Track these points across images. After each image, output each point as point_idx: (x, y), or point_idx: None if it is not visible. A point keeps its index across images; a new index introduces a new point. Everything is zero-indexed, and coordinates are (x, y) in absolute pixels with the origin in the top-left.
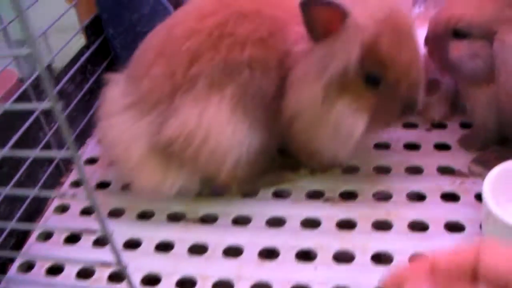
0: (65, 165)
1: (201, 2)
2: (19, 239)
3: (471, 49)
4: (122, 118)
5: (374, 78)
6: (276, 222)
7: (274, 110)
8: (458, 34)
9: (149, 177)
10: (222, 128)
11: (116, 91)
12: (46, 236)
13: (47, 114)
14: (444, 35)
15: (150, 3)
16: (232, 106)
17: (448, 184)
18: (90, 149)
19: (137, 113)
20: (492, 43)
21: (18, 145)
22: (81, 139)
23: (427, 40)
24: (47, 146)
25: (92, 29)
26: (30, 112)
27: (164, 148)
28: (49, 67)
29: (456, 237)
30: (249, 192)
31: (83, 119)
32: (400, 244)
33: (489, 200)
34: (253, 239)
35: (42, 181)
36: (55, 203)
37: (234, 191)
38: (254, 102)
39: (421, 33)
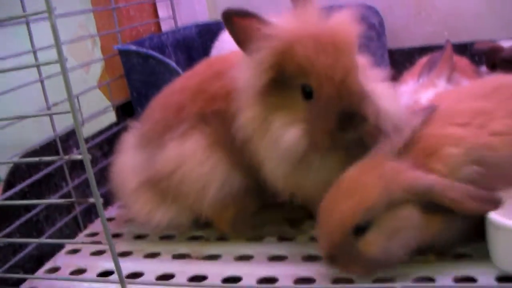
0: (84, 222)
1: (196, 66)
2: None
3: None
4: (128, 154)
5: (307, 90)
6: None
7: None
8: None
9: (142, 207)
10: (200, 163)
11: (131, 134)
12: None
13: (72, 167)
14: None
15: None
16: (210, 144)
17: None
18: (109, 211)
19: (138, 149)
20: None
21: (40, 188)
22: (104, 203)
23: None
24: (69, 195)
25: (123, 110)
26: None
27: (155, 182)
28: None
29: None
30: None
31: (105, 185)
32: None
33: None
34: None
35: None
36: (69, 247)
37: (230, 236)
38: (228, 145)
39: (425, 96)
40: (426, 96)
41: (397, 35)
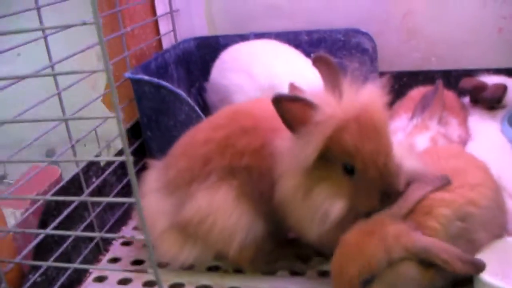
0: (104, 245)
1: (217, 116)
2: None
3: None
4: (153, 197)
5: (349, 167)
6: None
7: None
8: None
9: (169, 248)
10: (228, 214)
11: (153, 175)
12: None
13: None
14: None
15: (185, 111)
16: (237, 196)
17: None
18: (124, 233)
19: (164, 194)
20: None
21: (65, 221)
22: (119, 225)
23: None
24: (91, 225)
25: (132, 132)
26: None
27: (182, 227)
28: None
29: None
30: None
31: (120, 208)
32: None
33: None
34: None
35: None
36: (94, 274)
37: (247, 271)
38: (254, 198)
39: (420, 140)
40: (420, 140)
41: (387, 59)
